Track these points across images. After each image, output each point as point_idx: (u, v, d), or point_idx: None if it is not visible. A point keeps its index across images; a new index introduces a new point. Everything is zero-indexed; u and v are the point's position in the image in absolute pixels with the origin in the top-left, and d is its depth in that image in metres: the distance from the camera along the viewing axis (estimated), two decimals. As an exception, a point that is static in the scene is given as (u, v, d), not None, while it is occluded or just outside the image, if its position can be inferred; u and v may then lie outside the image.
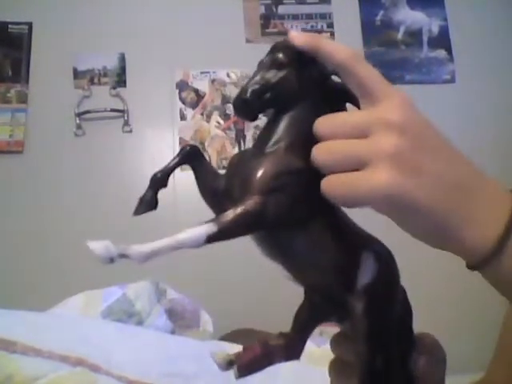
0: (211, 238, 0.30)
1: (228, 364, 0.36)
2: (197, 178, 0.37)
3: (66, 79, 1.75)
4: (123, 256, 0.29)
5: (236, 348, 0.36)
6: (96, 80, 1.77)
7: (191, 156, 0.36)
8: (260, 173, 0.32)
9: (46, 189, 1.66)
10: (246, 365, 0.36)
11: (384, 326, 0.34)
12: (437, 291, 1.61)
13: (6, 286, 1.47)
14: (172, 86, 1.78)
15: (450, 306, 1.63)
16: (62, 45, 1.77)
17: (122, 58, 1.78)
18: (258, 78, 0.34)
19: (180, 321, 1.07)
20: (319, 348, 0.74)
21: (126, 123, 1.74)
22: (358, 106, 0.35)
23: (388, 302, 0.35)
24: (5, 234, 1.60)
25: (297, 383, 0.61)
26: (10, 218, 1.63)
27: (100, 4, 1.82)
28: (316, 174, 0.33)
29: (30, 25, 1.78)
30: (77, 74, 1.76)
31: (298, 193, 0.32)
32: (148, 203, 0.35)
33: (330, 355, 0.39)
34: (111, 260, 0.29)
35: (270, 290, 1.47)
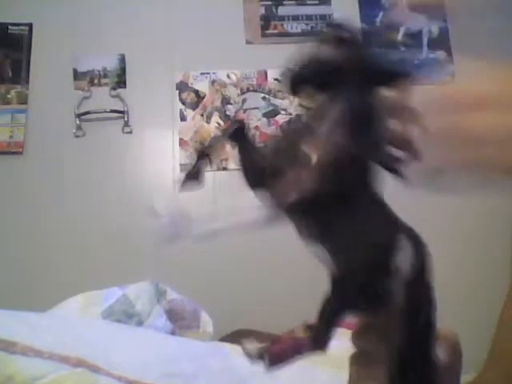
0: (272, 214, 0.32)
1: (259, 355, 0.36)
2: (241, 155, 0.37)
3: (66, 80, 1.75)
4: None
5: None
6: (96, 81, 1.77)
7: (239, 133, 0.36)
8: (309, 149, 0.33)
9: (46, 190, 1.66)
10: (277, 355, 0.36)
11: (422, 316, 0.35)
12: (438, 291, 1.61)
13: (6, 286, 1.47)
14: (172, 87, 1.78)
15: (446, 308, 1.63)
16: (62, 46, 1.77)
17: (122, 59, 1.79)
18: (309, 55, 0.35)
19: (180, 321, 1.07)
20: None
21: (126, 124, 1.74)
22: (400, 85, 0.35)
23: (427, 290, 0.36)
24: (4, 235, 1.60)
25: (298, 383, 0.60)
26: (10, 219, 1.63)
27: (100, 5, 1.82)
28: (360, 153, 0.34)
29: (30, 26, 1.79)
30: (77, 75, 1.76)
31: (346, 168, 0.33)
32: (197, 174, 0.35)
33: (332, 355, 0.39)
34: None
35: (270, 290, 1.47)
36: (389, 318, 0.34)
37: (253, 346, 0.37)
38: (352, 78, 0.35)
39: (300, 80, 0.35)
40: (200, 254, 1.42)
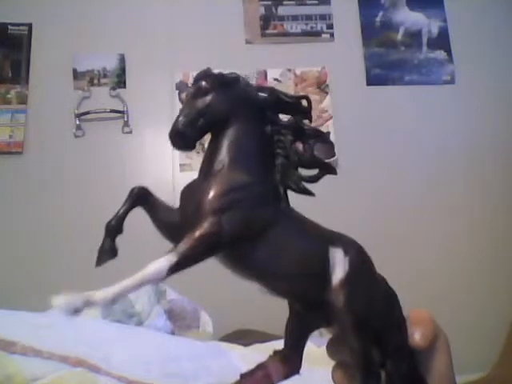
0: (173, 269, 0.31)
1: None
2: (151, 217, 0.37)
3: (66, 80, 1.75)
4: (89, 304, 0.29)
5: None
6: (96, 81, 1.77)
7: (141, 197, 0.36)
8: (209, 194, 0.33)
9: (45, 189, 1.66)
10: None
11: (369, 314, 0.34)
12: (440, 292, 1.61)
13: (6, 286, 1.47)
14: (172, 87, 1.78)
15: (451, 308, 1.63)
16: (61, 46, 1.77)
17: (122, 59, 1.79)
18: (187, 109, 0.36)
19: (180, 321, 1.07)
20: (319, 348, 0.74)
21: (126, 124, 1.74)
22: (287, 113, 0.36)
23: (367, 289, 0.35)
24: (5, 234, 1.60)
25: (297, 383, 0.60)
26: (10, 219, 1.63)
27: (100, 5, 1.82)
28: (262, 186, 0.34)
29: (29, 26, 1.79)
30: (76, 75, 1.76)
31: (249, 205, 0.33)
32: (108, 252, 0.35)
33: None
34: (77, 311, 0.29)
35: (270, 290, 1.47)
36: (340, 326, 0.34)
37: None
38: (232, 116, 0.36)
39: (188, 139, 0.35)
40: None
